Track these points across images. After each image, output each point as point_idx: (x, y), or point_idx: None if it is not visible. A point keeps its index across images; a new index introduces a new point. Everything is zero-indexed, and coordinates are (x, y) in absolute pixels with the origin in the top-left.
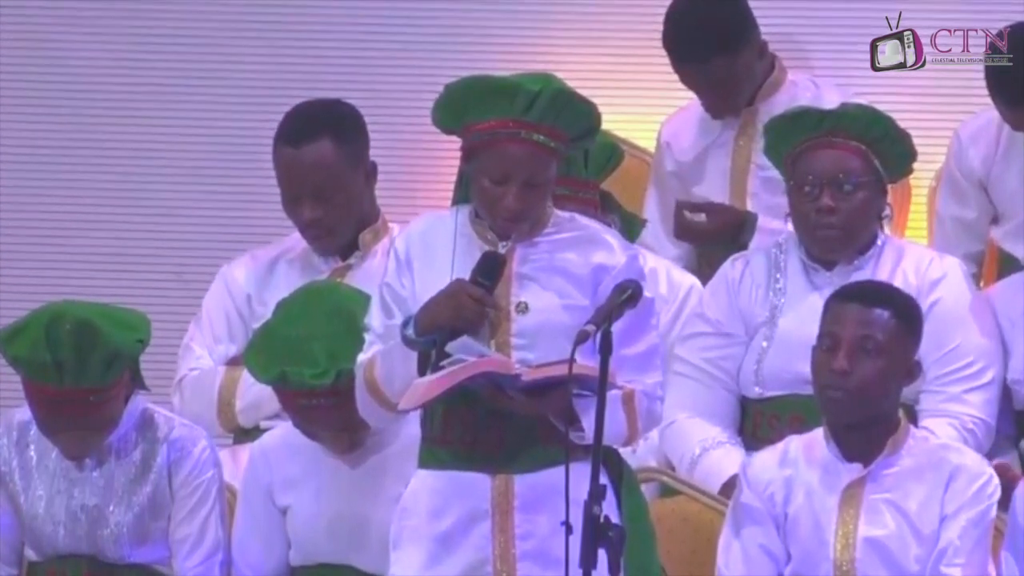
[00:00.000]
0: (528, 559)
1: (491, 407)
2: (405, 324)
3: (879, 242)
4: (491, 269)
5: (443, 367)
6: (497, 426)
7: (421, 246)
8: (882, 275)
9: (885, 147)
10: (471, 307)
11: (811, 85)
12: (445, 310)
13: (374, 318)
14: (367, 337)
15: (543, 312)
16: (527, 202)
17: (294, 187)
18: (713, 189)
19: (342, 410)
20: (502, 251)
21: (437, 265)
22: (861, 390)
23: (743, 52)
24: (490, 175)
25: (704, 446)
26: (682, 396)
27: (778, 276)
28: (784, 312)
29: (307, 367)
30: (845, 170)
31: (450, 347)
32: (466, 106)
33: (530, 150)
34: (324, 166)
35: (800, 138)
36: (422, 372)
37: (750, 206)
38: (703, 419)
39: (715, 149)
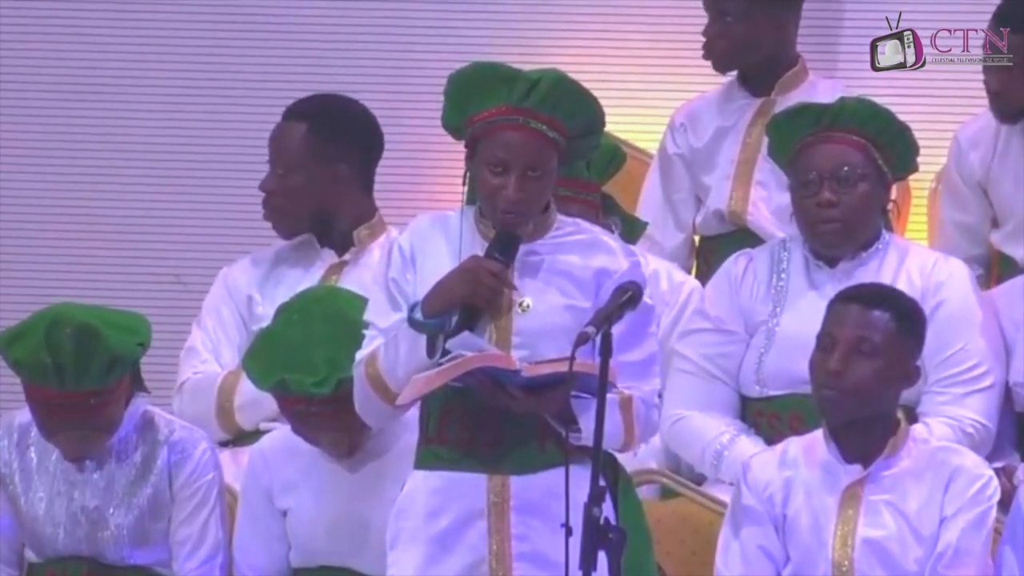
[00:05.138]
0: (524, 560)
1: (488, 407)
2: (412, 308)
3: (883, 241)
4: (507, 246)
5: (443, 363)
6: (494, 426)
7: (425, 244)
8: (886, 274)
9: (885, 141)
10: (489, 282)
11: (829, 90)
12: (461, 286)
13: (377, 314)
14: (367, 333)
15: (545, 312)
16: (527, 192)
17: (269, 156)
18: (720, 177)
19: (341, 416)
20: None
21: (440, 264)
22: (855, 390)
23: (768, 9)
24: (489, 163)
25: (724, 440)
26: (684, 393)
27: (780, 275)
28: (785, 311)
29: (307, 375)
30: (845, 163)
31: (450, 344)
32: (468, 95)
33: (529, 137)
34: (290, 144)
35: (801, 135)
36: (430, 356)
37: (753, 196)
38: (708, 413)
39: (728, 135)
